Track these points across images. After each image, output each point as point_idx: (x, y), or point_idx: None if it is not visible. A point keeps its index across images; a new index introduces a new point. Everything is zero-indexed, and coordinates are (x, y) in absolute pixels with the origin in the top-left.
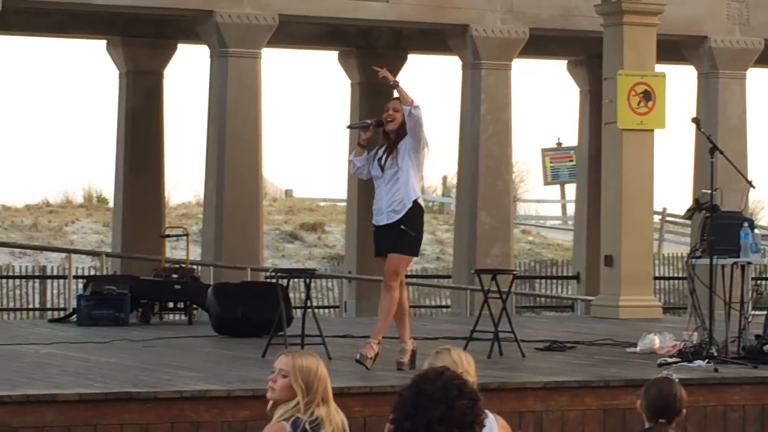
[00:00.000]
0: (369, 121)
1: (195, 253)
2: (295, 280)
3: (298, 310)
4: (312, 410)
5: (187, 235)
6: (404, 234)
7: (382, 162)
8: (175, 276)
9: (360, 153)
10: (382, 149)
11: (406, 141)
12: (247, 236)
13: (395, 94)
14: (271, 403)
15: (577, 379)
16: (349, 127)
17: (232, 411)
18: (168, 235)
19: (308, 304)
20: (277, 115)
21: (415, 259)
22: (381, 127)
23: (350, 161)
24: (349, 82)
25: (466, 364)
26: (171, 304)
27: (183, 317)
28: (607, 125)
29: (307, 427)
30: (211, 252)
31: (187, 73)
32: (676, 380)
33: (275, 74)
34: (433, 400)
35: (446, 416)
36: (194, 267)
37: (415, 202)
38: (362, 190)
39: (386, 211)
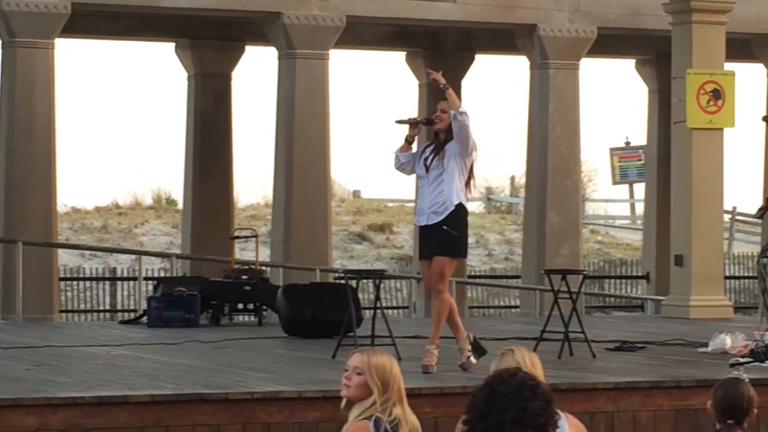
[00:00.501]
0: (419, 119)
1: (264, 255)
2: (365, 280)
3: (368, 311)
4: (390, 410)
5: (256, 236)
6: (449, 235)
7: (428, 162)
8: (244, 277)
9: (406, 149)
10: (429, 149)
11: (453, 144)
12: (316, 237)
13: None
14: (344, 401)
15: (649, 380)
16: (398, 122)
17: (303, 412)
18: (237, 237)
19: (378, 304)
20: (344, 116)
21: (483, 259)
22: (430, 125)
23: (395, 155)
24: (416, 82)
25: (530, 365)
26: (241, 306)
27: (253, 318)
28: (677, 124)
29: (388, 427)
30: (280, 253)
31: (255, 75)
32: (746, 380)
33: (343, 75)
34: (507, 401)
35: (519, 417)
36: (263, 268)
37: (458, 205)
38: None
39: (428, 212)
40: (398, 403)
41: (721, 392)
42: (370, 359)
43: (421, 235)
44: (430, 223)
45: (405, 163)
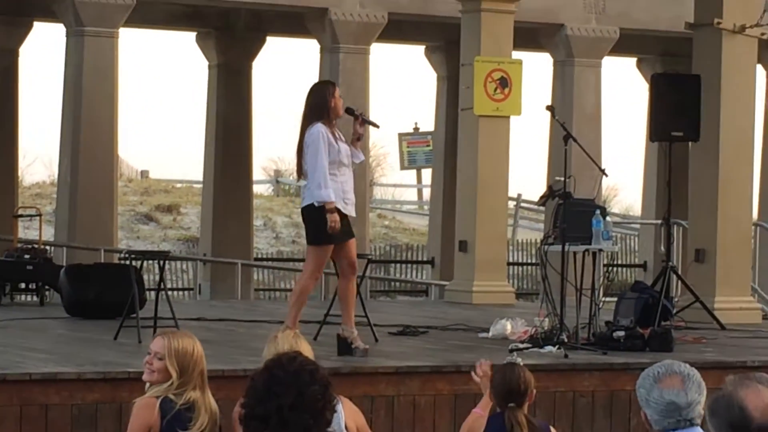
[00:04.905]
0: (366, 116)
1: (48, 234)
2: (150, 261)
3: (153, 292)
4: (187, 394)
5: (40, 215)
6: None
7: (349, 151)
8: (27, 256)
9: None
10: (337, 136)
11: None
12: (102, 217)
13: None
14: (147, 385)
15: (429, 364)
16: (358, 115)
17: (82, 394)
18: (21, 215)
19: (162, 286)
20: (133, 95)
21: (270, 242)
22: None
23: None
24: (206, 63)
25: (296, 347)
26: (22, 285)
27: (35, 298)
28: (464, 111)
29: (181, 409)
30: (65, 233)
31: (43, 51)
32: (521, 363)
33: (132, 54)
34: (285, 386)
35: (297, 402)
36: (47, 248)
37: None
38: (218, 172)
39: (352, 202)
40: (199, 387)
41: (499, 378)
42: (171, 343)
43: (341, 218)
44: (353, 214)
45: None
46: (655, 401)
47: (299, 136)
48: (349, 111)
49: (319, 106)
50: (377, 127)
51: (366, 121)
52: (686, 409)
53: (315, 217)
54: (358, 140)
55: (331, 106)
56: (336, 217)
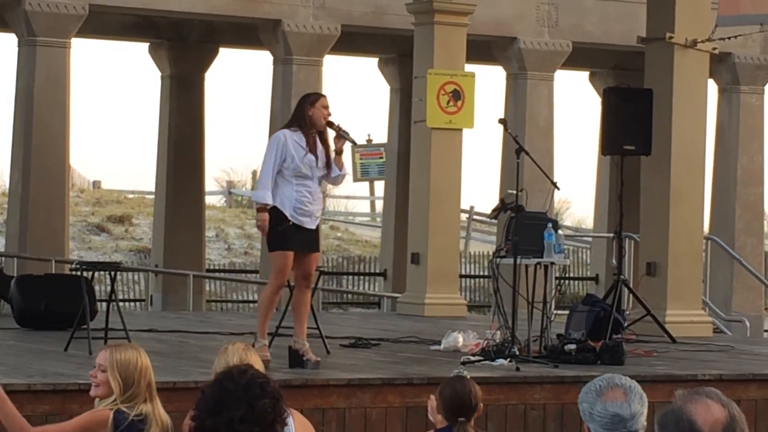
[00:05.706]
0: (348, 134)
1: None
2: (101, 272)
3: (104, 303)
4: (138, 406)
5: None
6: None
7: (317, 163)
8: None
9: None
10: (310, 148)
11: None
12: (53, 228)
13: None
14: (97, 400)
15: (381, 377)
16: (336, 128)
17: (32, 405)
18: None
19: (113, 297)
20: (86, 106)
21: (222, 253)
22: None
23: (343, 176)
24: (159, 74)
25: (246, 359)
26: None
27: None
28: (417, 123)
29: (135, 420)
30: (16, 243)
31: None
32: (468, 377)
33: (85, 65)
34: (235, 399)
35: (248, 415)
36: None
37: None
38: (170, 183)
39: (314, 216)
40: (148, 399)
41: (449, 391)
42: (114, 355)
43: (299, 231)
44: (314, 227)
45: None
46: (599, 415)
47: None
48: (329, 124)
49: (296, 114)
50: (353, 142)
51: (342, 135)
52: (630, 420)
53: (271, 223)
54: (337, 154)
55: (308, 114)
56: (264, 216)
